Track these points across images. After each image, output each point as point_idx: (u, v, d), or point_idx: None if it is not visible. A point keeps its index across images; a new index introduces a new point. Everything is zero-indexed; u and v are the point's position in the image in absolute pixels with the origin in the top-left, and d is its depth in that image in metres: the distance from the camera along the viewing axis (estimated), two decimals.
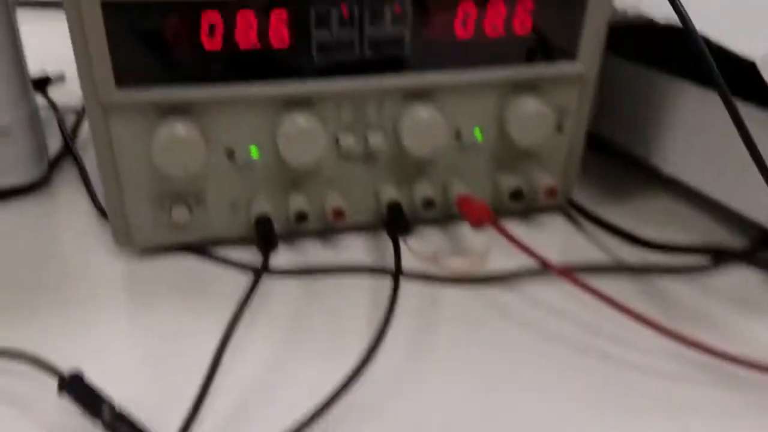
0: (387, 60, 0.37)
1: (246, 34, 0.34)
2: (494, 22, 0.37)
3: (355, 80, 0.37)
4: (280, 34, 0.35)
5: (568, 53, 0.39)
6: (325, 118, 0.37)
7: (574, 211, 0.45)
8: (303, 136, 0.36)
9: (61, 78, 0.65)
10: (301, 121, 0.36)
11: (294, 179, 0.39)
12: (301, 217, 0.39)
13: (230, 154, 0.37)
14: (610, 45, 0.41)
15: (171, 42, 0.33)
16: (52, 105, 0.59)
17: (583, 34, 0.39)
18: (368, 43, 0.36)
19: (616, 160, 0.51)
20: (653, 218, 0.44)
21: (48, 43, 0.61)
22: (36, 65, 0.57)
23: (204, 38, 0.34)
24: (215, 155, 0.37)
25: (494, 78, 0.39)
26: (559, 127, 0.42)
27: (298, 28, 0.35)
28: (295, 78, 0.36)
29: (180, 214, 0.38)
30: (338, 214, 0.39)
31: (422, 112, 0.38)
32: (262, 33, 0.34)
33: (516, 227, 0.43)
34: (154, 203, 0.37)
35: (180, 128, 0.34)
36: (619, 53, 0.46)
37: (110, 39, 0.32)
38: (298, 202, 0.39)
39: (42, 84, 0.61)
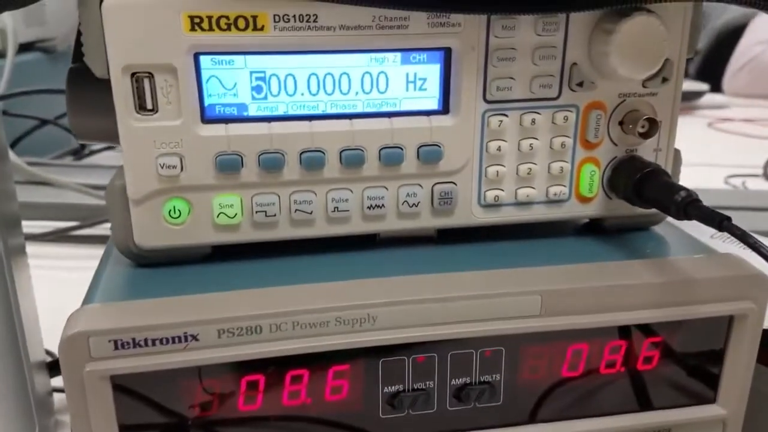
0: (475, 412, 0.29)
1: None
2: (611, 362, 0.30)
3: None
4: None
5: (706, 394, 0.31)
6: None
7: None
8: None
9: None
10: None
11: None
12: None
13: None
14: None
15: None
16: None
17: (724, 373, 0.31)
18: (450, 393, 0.29)
19: None
20: None
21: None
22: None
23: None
24: None
25: (613, 427, 0.30)
26: None
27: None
28: None
29: None
30: None
31: None
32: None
33: None
34: None
35: None
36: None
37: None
38: None
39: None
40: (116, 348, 0.25)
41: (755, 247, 0.26)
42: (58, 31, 0.95)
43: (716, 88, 1.41)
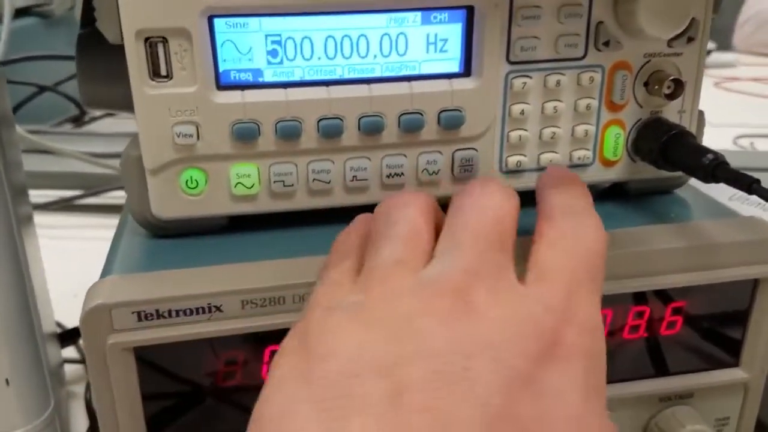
0: None
1: None
2: (635, 327, 0.30)
3: None
4: None
5: (729, 358, 0.31)
6: None
7: None
8: None
9: None
10: None
11: None
12: None
13: None
14: None
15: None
16: (85, 362, 0.52)
17: (747, 337, 0.31)
18: None
19: None
20: None
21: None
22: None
23: None
24: None
25: (635, 392, 0.30)
26: None
27: None
28: None
29: None
30: None
31: None
32: None
33: None
34: None
35: None
36: None
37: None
38: None
39: (73, 335, 0.54)
40: (139, 320, 0.25)
41: None
42: None
43: (723, 46, 1.39)
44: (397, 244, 0.21)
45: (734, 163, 0.28)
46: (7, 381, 0.33)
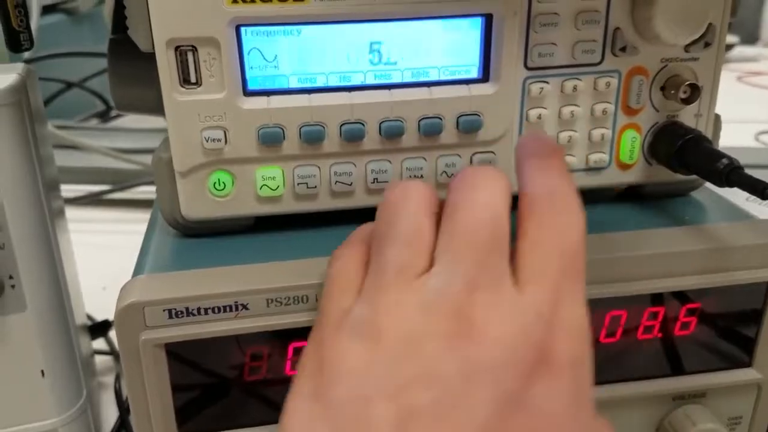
0: None
1: None
2: (649, 327, 0.30)
3: None
4: None
5: (742, 358, 0.32)
6: None
7: None
8: None
9: None
10: None
11: None
12: None
13: None
14: None
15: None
16: (115, 354, 0.53)
17: (761, 338, 0.31)
18: None
19: None
20: None
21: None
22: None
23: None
24: None
25: (649, 392, 0.31)
26: None
27: None
28: None
29: None
30: None
31: None
32: None
33: None
34: None
35: None
36: None
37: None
38: None
39: (103, 328, 0.55)
40: (170, 317, 0.26)
41: None
42: None
43: (747, 40, 1.37)
44: (399, 247, 0.22)
45: (755, 160, 0.28)
46: (42, 372, 0.35)
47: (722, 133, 0.32)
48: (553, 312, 0.20)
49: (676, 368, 0.31)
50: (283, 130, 0.28)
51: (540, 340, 0.20)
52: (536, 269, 0.21)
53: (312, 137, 0.28)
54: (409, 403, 0.18)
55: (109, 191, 0.70)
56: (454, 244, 0.21)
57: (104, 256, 0.51)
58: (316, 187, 0.29)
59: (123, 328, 0.26)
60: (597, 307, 0.29)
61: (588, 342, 0.21)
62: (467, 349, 0.19)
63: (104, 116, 0.90)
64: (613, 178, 0.32)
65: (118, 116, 0.90)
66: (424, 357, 0.19)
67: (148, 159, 0.69)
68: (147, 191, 0.70)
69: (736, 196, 0.36)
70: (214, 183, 0.29)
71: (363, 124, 0.29)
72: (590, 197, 0.33)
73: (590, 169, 0.31)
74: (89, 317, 0.49)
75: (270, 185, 0.29)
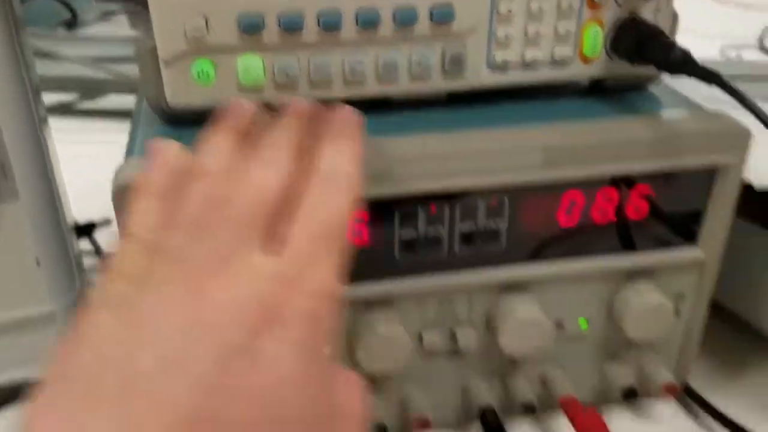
0: (480, 254, 0.33)
1: None
2: (604, 208, 0.33)
3: (444, 277, 0.33)
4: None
5: (688, 238, 0.35)
6: (408, 317, 0.33)
7: (691, 401, 0.39)
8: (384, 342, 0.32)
9: (107, 222, 0.61)
10: (381, 327, 0.32)
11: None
12: (381, 430, 0.34)
13: None
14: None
15: None
16: (99, 252, 0.55)
17: (705, 220, 0.34)
18: (459, 238, 0.32)
19: (739, 330, 0.45)
20: None
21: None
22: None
23: None
24: None
25: (603, 267, 0.34)
26: (677, 311, 0.36)
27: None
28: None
29: None
30: (423, 425, 0.34)
31: (522, 312, 0.33)
32: None
33: (623, 420, 0.38)
34: None
35: None
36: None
37: None
38: (375, 408, 0.34)
39: (88, 230, 0.57)
40: None
41: (742, 99, 0.28)
42: None
43: None
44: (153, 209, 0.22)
45: (720, 71, 0.30)
46: (37, 261, 0.36)
47: (691, 47, 0.34)
48: (297, 275, 0.20)
49: (627, 246, 0.34)
50: (262, 18, 0.29)
51: (273, 299, 0.20)
52: (294, 238, 0.21)
53: (290, 26, 0.29)
54: (133, 369, 0.18)
55: (79, 100, 0.70)
56: (204, 219, 0.21)
57: (76, 164, 0.52)
58: (295, 76, 0.31)
59: (119, 206, 0.27)
60: (555, 190, 0.32)
61: (330, 305, 0.21)
62: (193, 312, 0.19)
63: (71, 25, 0.88)
64: (577, 71, 0.33)
65: (84, 25, 0.88)
66: (152, 324, 0.19)
67: (118, 68, 0.69)
68: (116, 101, 0.70)
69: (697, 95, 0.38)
70: (198, 72, 0.30)
71: (340, 13, 0.30)
72: (555, 90, 0.35)
73: (555, 63, 0.33)
74: None
75: (251, 73, 0.30)
